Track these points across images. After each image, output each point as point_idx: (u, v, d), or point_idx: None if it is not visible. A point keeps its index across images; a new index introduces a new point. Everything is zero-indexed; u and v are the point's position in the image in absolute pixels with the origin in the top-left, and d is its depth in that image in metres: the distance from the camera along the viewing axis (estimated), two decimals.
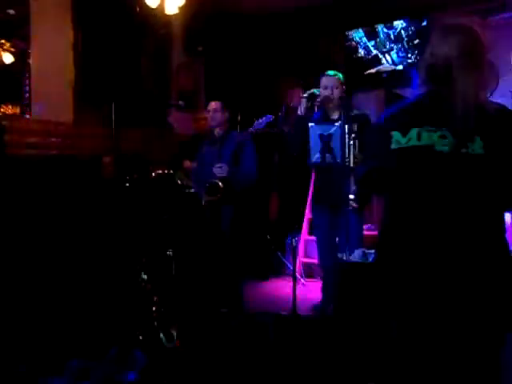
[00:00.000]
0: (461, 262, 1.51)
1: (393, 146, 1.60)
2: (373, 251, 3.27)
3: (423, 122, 1.57)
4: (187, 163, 4.41)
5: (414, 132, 1.57)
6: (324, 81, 3.59)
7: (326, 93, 3.53)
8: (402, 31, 6.13)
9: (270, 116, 4.31)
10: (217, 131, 4.02)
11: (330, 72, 3.64)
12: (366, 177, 1.78)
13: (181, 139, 5.26)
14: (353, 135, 3.29)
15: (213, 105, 4.02)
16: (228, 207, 3.87)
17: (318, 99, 3.53)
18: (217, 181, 3.80)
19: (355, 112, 3.60)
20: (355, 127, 3.46)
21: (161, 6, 4.40)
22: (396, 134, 1.60)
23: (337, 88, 3.54)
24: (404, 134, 1.58)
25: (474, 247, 1.52)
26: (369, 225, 4.95)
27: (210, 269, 3.95)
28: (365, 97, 6.18)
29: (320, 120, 3.60)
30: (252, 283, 4.88)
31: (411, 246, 1.58)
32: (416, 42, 6.04)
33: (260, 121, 4.26)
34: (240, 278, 4.04)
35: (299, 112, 3.55)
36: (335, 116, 3.58)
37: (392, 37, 6.21)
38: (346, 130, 3.31)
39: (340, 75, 3.64)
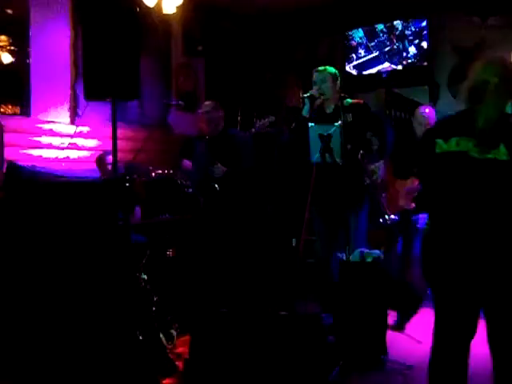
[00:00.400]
0: (487, 242, 1.92)
1: (437, 151, 2.04)
2: (373, 251, 3.28)
3: (462, 132, 1.99)
4: (186, 163, 4.41)
5: (453, 140, 1.99)
6: (314, 77, 3.60)
7: (315, 89, 3.53)
8: (402, 31, 6.13)
9: (271, 117, 4.30)
10: (212, 131, 4.01)
11: (320, 68, 3.63)
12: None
13: (181, 139, 5.26)
14: (365, 151, 3.30)
15: (205, 106, 4.02)
16: (227, 208, 3.88)
17: (318, 100, 3.53)
18: (213, 183, 3.80)
19: (350, 101, 3.58)
20: (349, 117, 3.45)
21: (158, 6, 4.40)
22: (439, 141, 2.04)
23: (326, 82, 3.54)
24: (446, 141, 2.01)
25: (498, 232, 1.91)
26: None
27: (210, 268, 3.95)
28: (365, 97, 6.18)
29: (317, 116, 3.59)
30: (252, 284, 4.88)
31: (451, 228, 2.01)
32: (416, 42, 6.05)
33: (262, 122, 4.26)
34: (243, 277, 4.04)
35: (305, 114, 3.53)
36: (330, 109, 3.57)
37: (392, 37, 6.21)
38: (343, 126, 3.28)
39: (330, 70, 3.61)
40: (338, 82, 3.63)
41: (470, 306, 1.98)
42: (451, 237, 2.00)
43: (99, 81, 3.07)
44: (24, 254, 3.25)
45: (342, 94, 3.54)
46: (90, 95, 3.19)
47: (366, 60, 6.40)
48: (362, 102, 3.64)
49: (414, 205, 3.63)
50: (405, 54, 6.14)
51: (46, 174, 3.35)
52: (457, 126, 2.05)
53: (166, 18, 4.98)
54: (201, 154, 4.09)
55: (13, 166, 3.26)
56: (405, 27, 6.11)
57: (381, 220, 3.58)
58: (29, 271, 3.25)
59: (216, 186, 3.80)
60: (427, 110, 4.01)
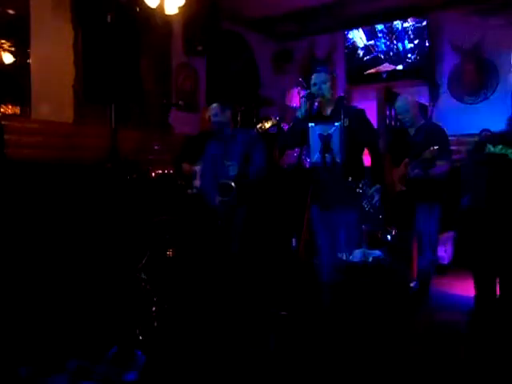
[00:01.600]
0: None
1: (486, 151, 3.06)
2: (373, 251, 3.28)
3: (507, 142, 3.01)
4: (187, 167, 4.40)
5: (499, 146, 3.01)
6: (313, 78, 3.60)
7: (314, 90, 3.53)
8: (402, 31, 6.13)
9: (275, 118, 4.31)
10: (223, 131, 4.01)
11: (319, 68, 3.64)
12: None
13: (180, 139, 5.25)
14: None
15: (212, 109, 4.02)
16: (241, 207, 3.89)
17: (317, 100, 3.53)
18: (229, 181, 3.80)
19: (349, 106, 3.59)
20: (347, 122, 3.46)
21: (160, 6, 4.40)
22: (489, 146, 3.06)
23: (325, 83, 3.54)
24: (494, 146, 3.04)
25: None
26: (368, 225, 4.94)
27: (217, 267, 3.95)
28: (365, 97, 6.19)
29: (316, 116, 3.59)
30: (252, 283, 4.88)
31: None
32: (416, 42, 6.04)
33: (262, 125, 4.26)
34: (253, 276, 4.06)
35: (298, 114, 3.53)
36: (328, 111, 3.57)
37: (392, 36, 6.21)
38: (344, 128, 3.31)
39: (329, 71, 3.62)
40: (337, 83, 3.64)
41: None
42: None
43: (99, 82, 3.07)
44: (23, 251, 3.26)
45: (342, 95, 3.55)
46: (90, 97, 3.19)
47: (366, 60, 6.40)
48: (360, 109, 3.66)
49: (404, 188, 4.03)
50: (405, 54, 6.13)
51: None
52: (504, 137, 3.07)
53: (167, 18, 4.98)
54: (214, 154, 4.08)
55: None
56: (405, 27, 6.10)
57: (387, 237, 3.71)
58: (28, 269, 3.26)
59: (232, 183, 3.81)
60: (399, 99, 4.19)
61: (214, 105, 4.06)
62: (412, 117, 4.08)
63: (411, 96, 4.29)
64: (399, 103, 4.18)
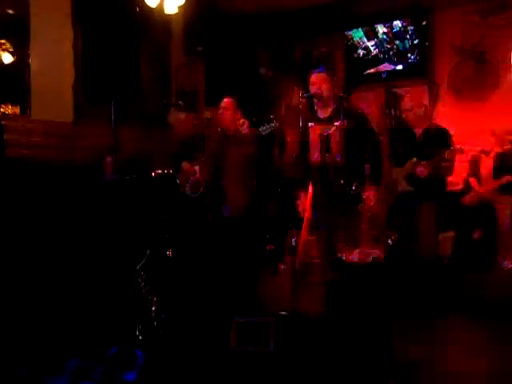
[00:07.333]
0: None
1: None
2: (372, 251, 3.28)
3: None
4: (186, 165, 4.39)
5: None
6: (312, 78, 3.59)
7: (313, 89, 3.52)
8: (402, 31, 6.13)
9: (276, 123, 4.31)
10: (227, 130, 4.01)
11: (319, 69, 3.64)
12: None
13: (180, 139, 5.25)
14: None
15: (224, 103, 4.00)
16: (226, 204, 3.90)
17: (317, 100, 3.53)
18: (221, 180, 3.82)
19: (348, 109, 3.58)
20: (346, 123, 3.45)
21: (160, 6, 4.40)
22: None
23: (325, 83, 3.53)
24: None
25: None
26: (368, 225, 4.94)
27: (214, 269, 3.95)
28: (365, 97, 6.19)
29: (314, 117, 3.59)
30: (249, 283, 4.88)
31: None
32: (416, 42, 6.04)
33: (265, 127, 4.26)
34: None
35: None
36: (327, 113, 3.56)
37: (392, 36, 6.20)
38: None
39: (328, 71, 3.62)
40: (336, 83, 3.64)
41: None
42: None
43: (99, 82, 3.07)
44: (22, 251, 3.26)
45: (341, 94, 3.54)
46: (90, 97, 3.19)
47: (366, 60, 6.40)
48: (360, 111, 3.66)
49: (411, 188, 3.95)
50: (405, 54, 6.13)
51: None
52: None
53: (166, 18, 4.98)
54: (213, 152, 4.08)
55: None
56: (405, 27, 6.10)
57: (388, 241, 3.70)
58: (28, 268, 3.26)
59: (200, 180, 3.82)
60: (405, 99, 4.24)
61: (227, 99, 4.03)
62: (416, 116, 4.08)
63: (416, 95, 4.29)
64: (403, 102, 4.18)
